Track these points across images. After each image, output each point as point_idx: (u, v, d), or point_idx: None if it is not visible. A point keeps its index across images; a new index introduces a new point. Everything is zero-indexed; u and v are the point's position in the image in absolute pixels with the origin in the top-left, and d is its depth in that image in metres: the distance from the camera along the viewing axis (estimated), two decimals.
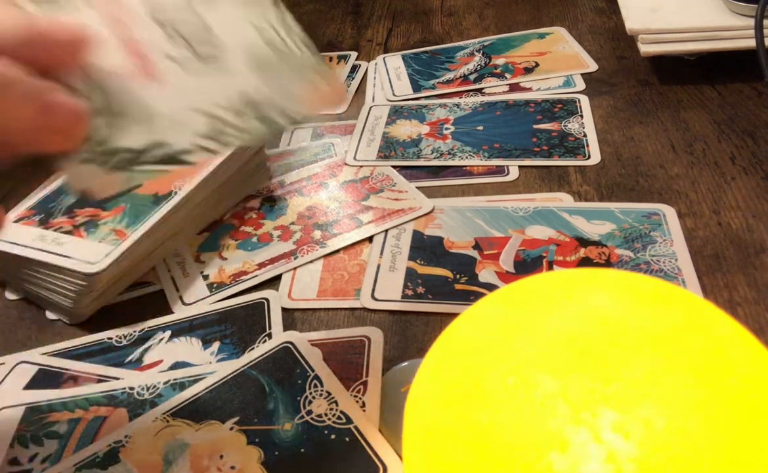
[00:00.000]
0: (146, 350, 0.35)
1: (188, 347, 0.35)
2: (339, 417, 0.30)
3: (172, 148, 0.24)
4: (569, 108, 0.52)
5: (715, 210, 0.40)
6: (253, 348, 0.35)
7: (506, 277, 0.37)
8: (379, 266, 0.39)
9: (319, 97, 0.26)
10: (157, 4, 0.25)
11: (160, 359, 0.34)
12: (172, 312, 0.38)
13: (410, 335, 0.35)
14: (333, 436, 0.29)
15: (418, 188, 0.45)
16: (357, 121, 0.54)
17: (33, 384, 0.34)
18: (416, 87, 0.58)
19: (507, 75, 0.57)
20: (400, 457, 0.28)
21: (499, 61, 0.60)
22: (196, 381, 0.33)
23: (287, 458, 0.29)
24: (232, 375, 0.33)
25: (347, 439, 0.29)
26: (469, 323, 0.23)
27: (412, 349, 0.34)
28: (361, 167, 0.48)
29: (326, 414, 0.30)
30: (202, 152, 0.24)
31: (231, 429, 0.30)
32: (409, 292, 0.37)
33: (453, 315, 0.27)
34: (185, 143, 0.24)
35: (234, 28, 0.25)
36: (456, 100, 0.55)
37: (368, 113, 0.55)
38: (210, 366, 0.34)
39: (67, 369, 0.35)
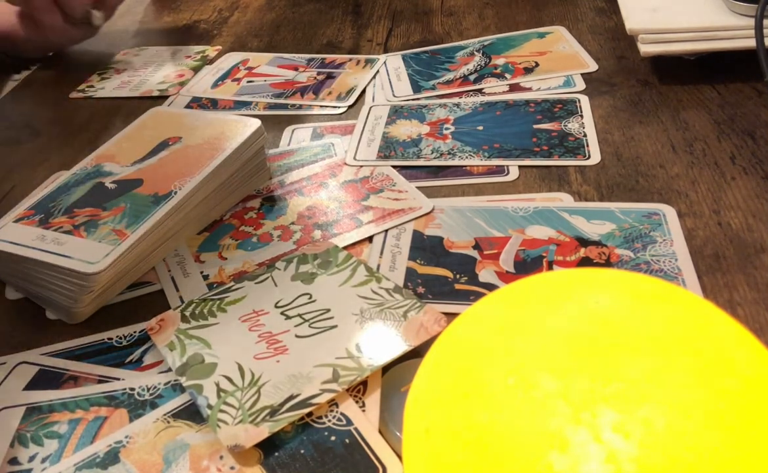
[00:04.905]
0: (146, 350, 0.35)
1: None
2: (339, 419, 0.30)
3: (303, 396, 0.30)
4: (569, 108, 0.52)
5: (715, 210, 0.40)
6: None
7: (506, 277, 0.37)
8: (379, 266, 0.39)
9: (417, 325, 0.33)
10: (286, 302, 0.36)
11: (160, 359, 0.34)
12: None
13: None
14: (333, 437, 0.29)
15: (418, 188, 0.45)
16: (357, 121, 0.54)
17: (33, 384, 0.34)
18: (416, 88, 0.58)
19: (507, 75, 0.57)
20: (400, 458, 0.28)
21: (499, 61, 0.60)
22: None
23: (287, 459, 0.29)
24: None
25: (347, 440, 0.29)
26: (469, 323, 0.23)
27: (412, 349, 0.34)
28: (361, 167, 0.48)
29: (326, 415, 0.30)
30: (327, 393, 0.30)
31: None
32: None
33: (453, 315, 0.27)
34: (314, 390, 0.31)
35: (346, 302, 0.35)
36: (456, 100, 0.55)
37: (368, 113, 0.55)
38: None
39: (67, 370, 0.35)
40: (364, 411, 0.30)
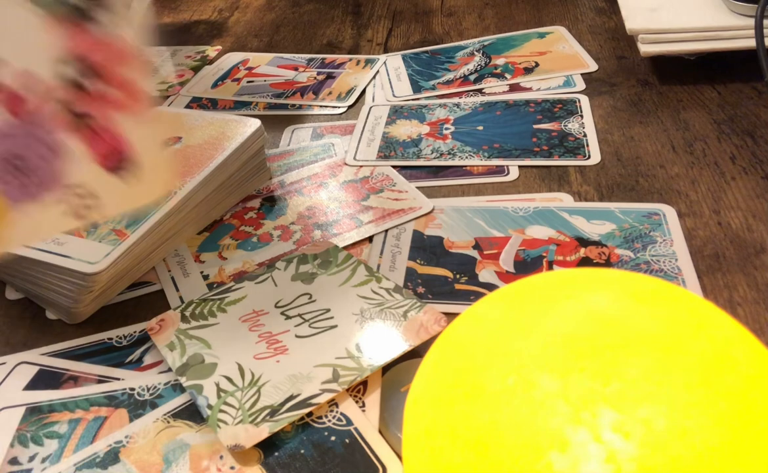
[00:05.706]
0: (146, 350, 0.35)
1: None
2: (339, 419, 0.30)
3: (303, 396, 0.30)
4: (569, 108, 0.52)
5: (715, 210, 0.40)
6: None
7: (506, 277, 0.37)
8: (379, 266, 0.39)
9: (417, 325, 0.33)
10: (285, 302, 0.36)
11: (160, 359, 0.34)
12: None
13: None
14: (333, 437, 0.29)
15: (418, 188, 0.45)
16: (357, 121, 0.54)
17: (33, 384, 0.34)
18: (416, 88, 0.58)
19: (507, 75, 0.57)
20: (400, 458, 0.28)
21: (499, 61, 0.60)
22: None
23: (287, 459, 0.29)
24: None
25: (347, 440, 0.29)
26: (469, 323, 0.23)
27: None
28: (361, 167, 0.48)
29: (326, 415, 0.30)
30: (327, 393, 0.30)
31: None
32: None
33: (453, 315, 0.27)
34: (314, 390, 0.31)
35: (346, 302, 0.35)
36: (456, 100, 0.55)
37: (368, 113, 0.55)
38: None
39: (67, 370, 0.35)
40: (364, 411, 0.30)
